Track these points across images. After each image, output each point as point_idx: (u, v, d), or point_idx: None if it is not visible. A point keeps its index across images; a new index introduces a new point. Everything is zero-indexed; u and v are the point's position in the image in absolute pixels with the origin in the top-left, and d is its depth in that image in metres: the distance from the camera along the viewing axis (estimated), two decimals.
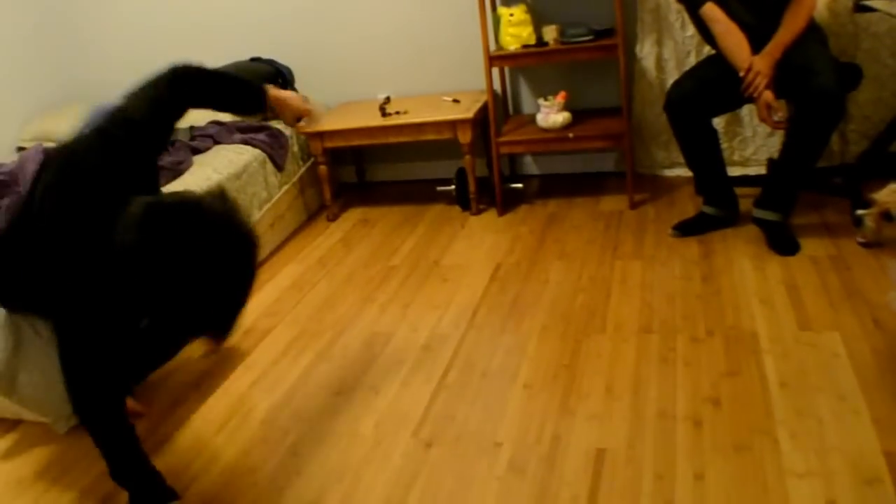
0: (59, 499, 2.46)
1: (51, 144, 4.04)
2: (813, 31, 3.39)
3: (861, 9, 3.76)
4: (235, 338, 3.33)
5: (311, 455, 2.51)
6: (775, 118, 3.25)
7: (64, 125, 4.58)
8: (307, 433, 2.63)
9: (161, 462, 2.55)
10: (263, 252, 4.15)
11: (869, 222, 2.35)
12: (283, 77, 4.73)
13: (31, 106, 5.10)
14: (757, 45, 3.31)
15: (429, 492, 2.27)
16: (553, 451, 2.37)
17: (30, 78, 5.14)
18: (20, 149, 4.11)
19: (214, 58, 4.86)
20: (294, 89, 4.73)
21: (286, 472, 2.45)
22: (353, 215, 4.70)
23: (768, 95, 3.22)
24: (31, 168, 3.59)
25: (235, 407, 2.85)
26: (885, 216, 2.31)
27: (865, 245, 2.40)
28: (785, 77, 3.24)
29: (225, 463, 2.53)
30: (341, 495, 2.31)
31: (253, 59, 4.86)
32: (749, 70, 3.24)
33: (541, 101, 4.24)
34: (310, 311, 3.50)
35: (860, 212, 2.39)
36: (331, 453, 2.51)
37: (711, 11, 3.37)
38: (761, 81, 3.23)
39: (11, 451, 2.78)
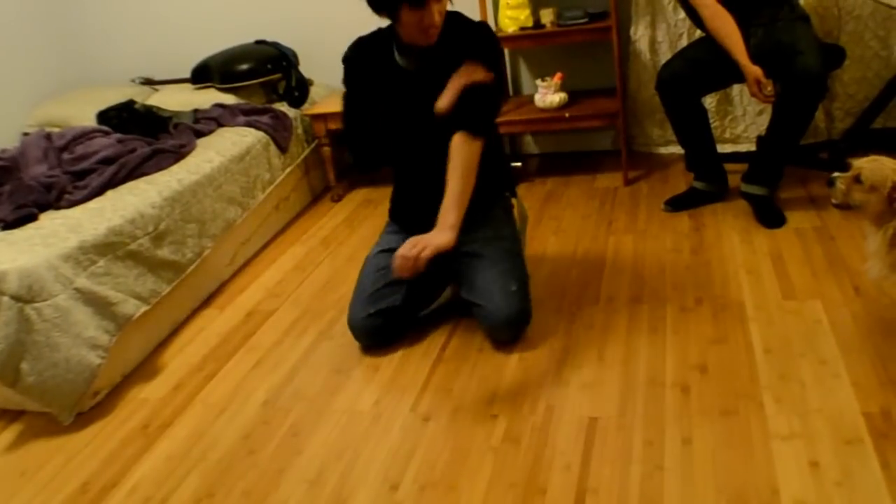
0: (62, 489, 2.48)
1: (55, 129, 4.09)
2: (795, 11, 3.45)
3: None
4: (238, 321, 3.42)
5: (311, 434, 2.56)
6: (765, 93, 3.32)
7: (69, 111, 4.66)
8: (307, 412, 2.68)
9: (162, 446, 2.61)
10: (268, 234, 4.24)
11: (840, 184, 2.43)
12: (287, 60, 4.78)
13: (36, 91, 5.14)
14: (740, 16, 3.37)
15: (426, 464, 2.33)
16: (547, 421, 2.44)
17: (35, 63, 5.18)
18: (25, 134, 4.16)
19: (219, 41, 4.95)
20: (299, 72, 4.79)
21: (286, 452, 2.49)
22: (358, 196, 4.77)
23: (758, 71, 3.29)
24: (34, 154, 3.63)
25: (237, 390, 2.88)
26: (856, 179, 2.39)
27: (838, 207, 2.47)
28: (770, 56, 3.31)
29: (225, 446, 2.56)
30: (341, 472, 2.36)
31: (257, 42, 4.91)
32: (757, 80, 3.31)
33: (538, 82, 4.31)
34: (312, 292, 3.57)
35: (835, 174, 2.47)
36: (331, 431, 2.55)
37: None
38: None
39: (15, 442, 2.80)
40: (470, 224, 2.90)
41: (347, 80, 3.00)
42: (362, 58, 2.93)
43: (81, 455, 2.64)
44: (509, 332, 2.88)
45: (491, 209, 3.05)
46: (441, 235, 2.65)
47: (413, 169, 3.04)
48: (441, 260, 2.98)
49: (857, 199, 2.41)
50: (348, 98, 3.03)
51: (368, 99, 2.96)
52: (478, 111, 2.78)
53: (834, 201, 2.48)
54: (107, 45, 5.43)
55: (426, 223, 2.94)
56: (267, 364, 3.02)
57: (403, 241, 2.81)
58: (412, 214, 3.03)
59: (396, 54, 2.87)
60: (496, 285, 2.84)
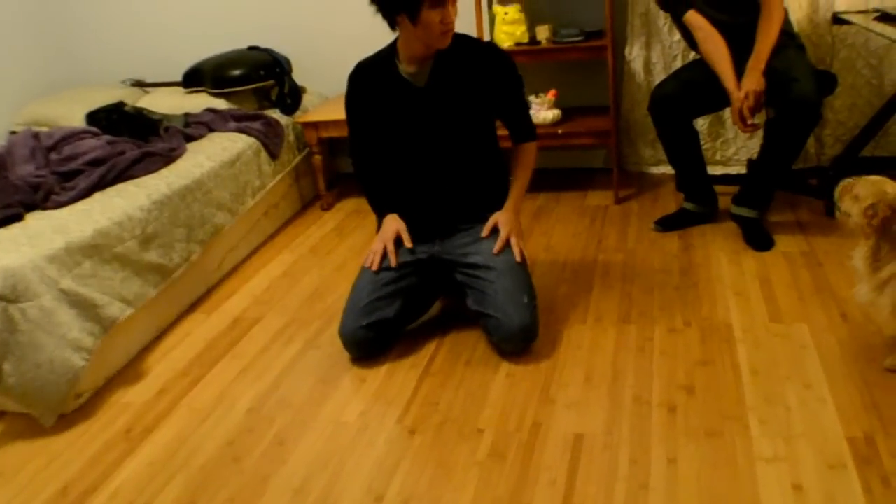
0: (42, 492, 2.45)
1: (43, 129, 4.07)
2: (791, 39, 3.49)
3: (839, 21, 3.88)
4: (224, 327, 3.40)
5: (297, 443, 2.54)
6: (749, 123, 3.34)
7: (58, 110, 4.63)
8: (293, 421, 2.66)
9: (144, 453, 2.58)
10: (256, 240, 4.23)
11: (838, 187, 2.51)
12: (280, 66, 4.78)
13: (25, 90, 5.11)
14: (734, 42, 3.40)
15: (411, 478, 2.32)
16: (533, 437, 2.44)
17: (25, 61, 5.15)
18: (13, 133, 4.13)
19: (212, 46, 4.95)
20: (292, 79, 4.79)
21: (271, 460, 2.47)
22: (348, 205, 4.77)
23: (743, 98, 3.32)
24: (21, 153, 3.61)
25: (222, 396, 2.87)
26: (858, 198, 2.42)
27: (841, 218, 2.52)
28: (765, 82, 3.33)
29: (209, 453, 2.54)
30: (325, 482, 2.34)
31: (251, 48, 4.90)
32: (745, 96, 3.32)
33: (532, 98, 4.33)
34: (300, 300, 3.55)
35: (837, 190, 2.52)
36: (316, 441, 2.54)
37: (694, 18, 3.47)
38: (756, 99, 3.32)
39: None
40: (476, 235, 2.95)
41: (351, 101, 3.04)
42: (368, 77, 2.98)
43: (62, 458, 2.61)
44: (520, 343, 2.88)
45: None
46: (511, 216, 3.04)
47: (415, 182, 3.06)
48: (442, 269, 3.02)
49: (846, 206, 2.44)
50: (354, 124, 3.10)
51: (375, 119, 3.01)
52: (528, 122, 3.11)
53: (836, 214, 2.51)
54: (97, 45, 5.41)
55: (423, 233, 2.98)
56: (253, 371, 3.01)
57: (398, 251, 2.97)
58: (410, 225, 3.05)
59: (402, 71, 2.89)
60: (508, 297, 2.85)
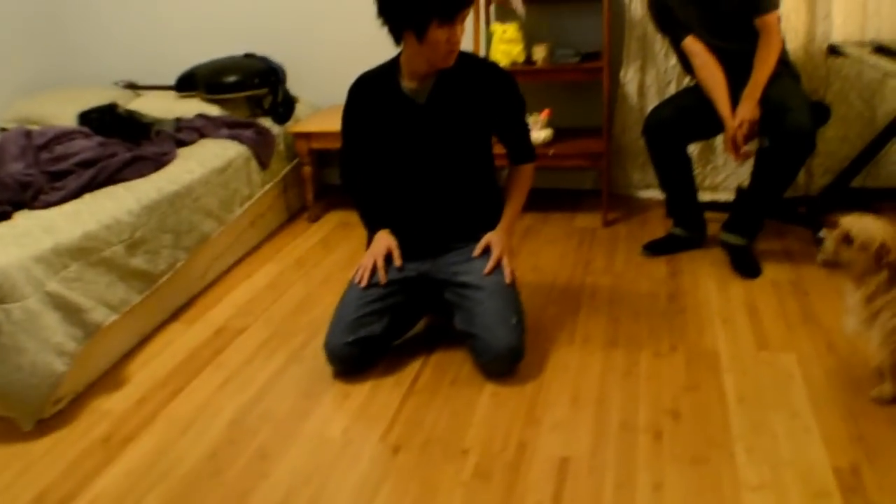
0: (18, 499, 2.41)
1: (34, 127, 4.04)
2: (787, 68, 3.51)
3: (834, 52, 3.90)
4: (207, 337, 3.37)
5: (279, 457, 2.51)
6: (742, 151, 3.36)
7: (49, 109, 4.59)
8: (275, 435, 2.63)
9: (123, 462, 2.54)
10: (241, 250, 4.20)
11: (829, 243, 2.43)
12: (275, 75, 4.76)
13: (16, 86, 5.08)
14: (731, 69, 3.42)
15: (395, 496, 2.29)
16: (518, 458, 2.42)
17: (14, 60, 5.12)
18: (3, 130, 4.09)
19: (206, 51, 4.93)
20: (286, 88, 4.78)
21: (252, 474, 2.44)
22: (335, 218, 4.75)
23: (737, 128, 3.33)
24: (12, 151, 3.55)
25: (203, 407, 2.83)
26: (846, 239, 2.40)
27: (825, 264, 2.48)
28: (760, 111, 3.34)
29: (190, 464, 2.51)
30: (307, 499, 2.31)
31: (246, 55, 4.89)
32: (739, 124, 3.34)
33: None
34: (284, 312, 3.53)
35: (823, 233, 2.48)
36: (299, 456, 2.51)
37: (692, 44, 3.49)
38: (751, 127, 3.33)
39: None
40: (466, 256, 2.94)
41: (350, 112, 3.03)
42: (369, 91, 2.98)
43: (40, 464, 2.57)
44: (506, 365, 2.87)
45: None
46: (503, 237, 3.05)
47: (409, 199, 3.05)
48: (431, 288, 3.01)
49: (846, 257, 2.42)
50: (350, 136, 3.09)
51: (372, 133, 3.00)
52: (528, 143, 3.10)
53: (822, 258, 2.48)
54: (91, 45, 5.39)
55: (414, 250, 2.97)
56: (235, 383, 2.98)
57: (388, 268, 2.95)
58: (401, 241, 3.04)
59: (404, 86, 2.89)
60: (496, 317, 2.84)
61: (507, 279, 2.92)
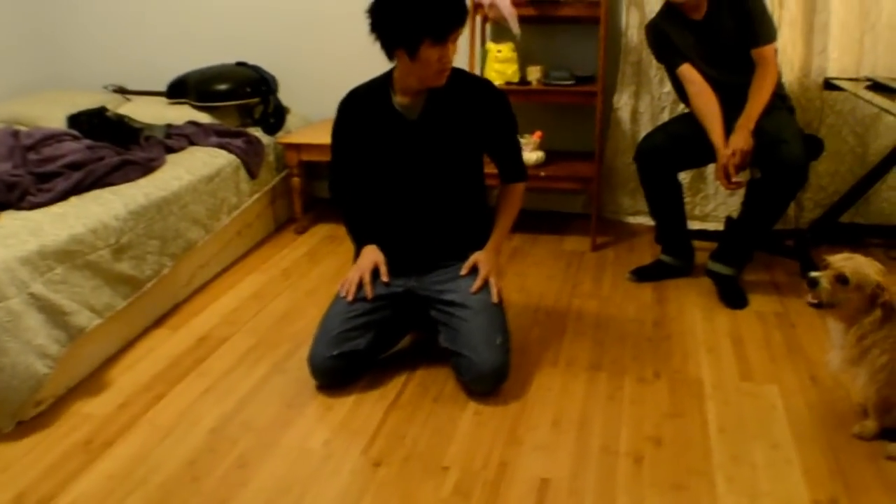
0: None
1: (22, 128, 4.02)
2: (782, 101, 3.54)
3: (830, 87, 3.92)
4: (190, 344, 3.36)
5: (259, 467, 2.50)
6: (733, 181, 3.37)
7: (37, 110, 4.57)
8: (256, 445, 2.62)
9: (103, 467, 2.52)
10: (227, 259, 4.19)
11: (825, 283, 2.43)
12: (266, 85, 4.76)
13: (3, 89, 5.05)
14: (726, 99, 3.44)
15: None
16: (499, 477, 2.42)
17: (4, 61, 5.09)
18: None
19: (197, 58, 4.93)
20: (277, 99, 4.78)
21: (232, 483, 2.43)
22: (322, 230, 4.74)
23: (730, 156, 3.34)
24: (0, 151, 3.55)
25: (184, 414, 2.82)
26: (840, 279, 2.40)
27: (816, 306, 2.47)
28: (754, 142, 3.36)
29: (170, 470, 2.49)
30: None
31: (239, 64, 4.88)
32: (732, 154, 3.35)
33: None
34: (269, 323, 3.51)
35: (815, 273, 2.47)
36: (279, 466, 2.50)
37: (688, 72, 3.51)
38: (742, 159, 3.34)
39: None
40: (453, 274, 2.94)
41: (340, 127, 3.03)
42: (360, 106, 2.97)
43: (19, 465, 2.54)
44: (490, 384, 2.86)
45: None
46: (491, 257, 3.05)
47: (398, 215, 3.04)
48: (417, 304, 3.01)
49: (840, 297, 2.42)
50: (339, 150, 3.08)
51: (362, 148, 3.00)
52: (519, 162, 3.11)
53: (813, 300, 2.47)
54: (81, 48, 5.38)
55: (401, 266, 2.97)
56: (217, 391, 2.96)
57: (374, 283, 2.95)
58: (389, 257, 3.03)
59: (395, 102, 2.89)
60: (482, 336, 2.84)
61: (494, 298, 2.92)
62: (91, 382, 3.05)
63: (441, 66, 2.74)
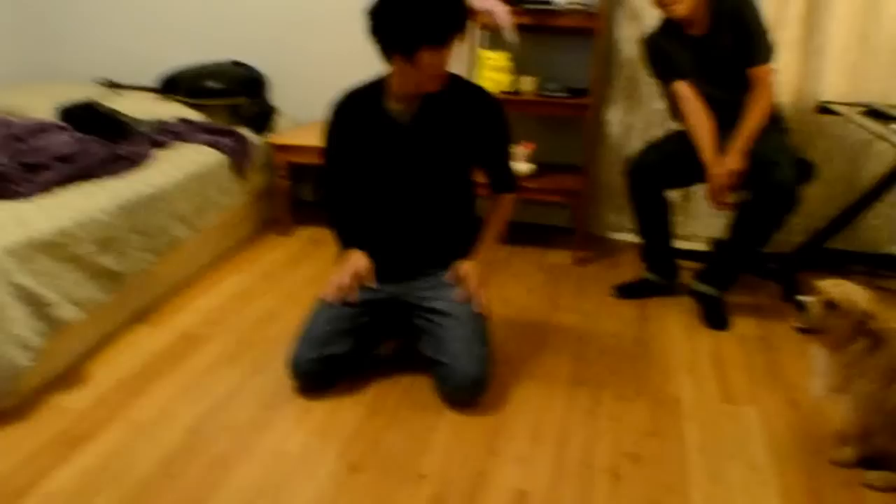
0: None
1: (13, 119, 4.00)
2: (776, 122, 3.54)
3: (825, 111, 3.94)
4: (170, 341, 3.35)
5: (235, 467, 2.49)
6: (723, 201, 3.38)
7: (26, 101, 4.53)
8: (233, 445, 2.61)
9: (78, 461, 2.50)
10: (211, 257, 4.18)
11: (814, 308, 2.44)
12: (257, 84, 4.76)
13: None
14: (721, 117, 3.45)
15: None
16: (475, 487, 2.42)
17: None
18: None
19: (188, 55, 4.94)
20: (267, 99, 4.77)
21: (207, 482, 2.42)
22: (305, 233, 4.73)
23: (722, 177, 3.35)
24: None
25: (162, 411, 2.80)
26: (829, 305, 2.41)
27: (803, 331, 2.47)
28: (747, 163, 3.37)
29: (146, 468, 2.48)
30: None
31: (232, 63, 4.89)
32: (723, 174, 3.36)
33: None
34: (250, 323, 3.51)
35: (804, 297, 2.47)
36: (255, 467, 2.49)
37: (682, 89, 3.52)
38: (734, 180, 3.36)
39: None
40: (437, 281, 2.94)
41: (333, 129, 3.01)
42: (353, 108, 2.96)
43: None
44: (470, 394, 2.86)
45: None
46: (477, 266, 3.03)
47: (386, 220, 3.03)
48: (400, 311, 3.00)
49: (827, 323, 2.42)
50: (331, 153, 3.06)
51: (353, 152, 2.98)
52: (509, 172, 3.14)
53: (800, 325, 2.48)
54: (73, 41, 5.36)
55: (387, 272, 2.96)
56: (195, 390, 2.95)
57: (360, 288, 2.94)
58: (375, 262, 3.02)
59: (389, 106, 2.88)
60: (463, 346, 2.84)
61: (478, 308, 2.92)
62: (69, 376, 3.03)
63: (438, 71, 2.74)
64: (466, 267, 3.00)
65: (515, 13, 4.17)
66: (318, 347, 2.88)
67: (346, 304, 2.93)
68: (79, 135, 3.73)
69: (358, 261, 3.00)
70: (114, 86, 5.09)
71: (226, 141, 4.31)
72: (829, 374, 2.46)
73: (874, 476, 2.46)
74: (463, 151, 2.95)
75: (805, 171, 3.56)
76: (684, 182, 3.79)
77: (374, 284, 2.97)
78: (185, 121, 4.43)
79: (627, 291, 3.89)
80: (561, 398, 2.95)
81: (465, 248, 3.06)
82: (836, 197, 4.29)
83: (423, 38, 2.64)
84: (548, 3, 4.18)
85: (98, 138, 3.76)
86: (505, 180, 3.10)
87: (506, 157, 3.09)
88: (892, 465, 2.47)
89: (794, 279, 3.89)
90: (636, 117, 4.50)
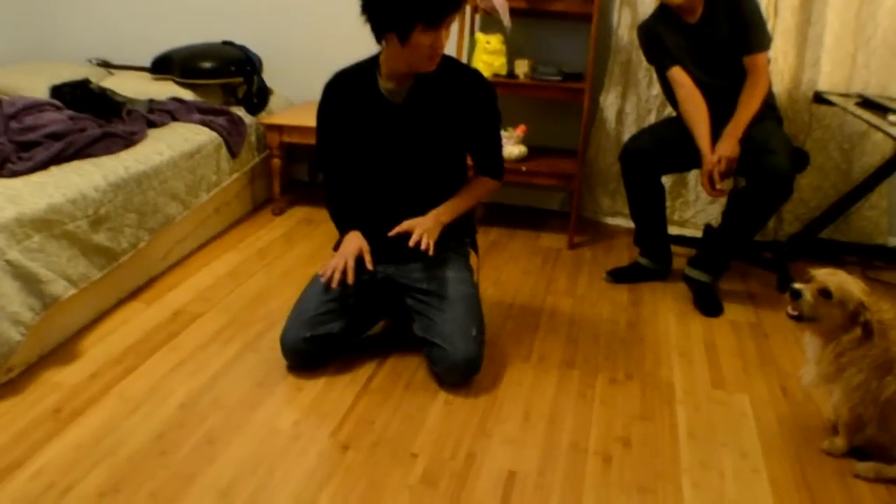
0: None
1: (4, 97, 3.98)
2: (772, 111, 3.54)
3: (820, 100, 3.94)
4: (164, 319, 3.34)
5: (227, 444, 2.49)
6: (717, 187, 3.38)
7: (20, 80, 4.52)
8: (225, 422, 2.61)
9: (71, 435, 2.50)
10: (204, 236, 4.18)
11: (808, 296, 2.44)
12: (251, 65, 4.74)
13: None
14: (715, 105, 3.45)
15: (340, 494, 2.28)
16: (467, 468, 2.42)
17: None
18: None
19: (182, 36, 4.92)
20: (262, 79, 4.76)
21: (199, 458, 2.42)
22: (299, 213, 4.73)
23: (715, 163, 3.35)
24: None
25: (155, 387, 2.80)
26: (823, 293, 2.41)
27: (796, 318, 2.47)
28: (741, 151, 3.37)
29: (137, 443, 2.48)
30: (253, 488, 2.30)
31: (225, 43, 4.88)
32: (718, 160, 3.35)
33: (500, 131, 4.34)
34: (243, 302, 3.51)
35: (799, 285, 2.47)
36: (247, 445, 2.49)
37: (678, 75, 3.52)
38: (729, 164, 3.35)
39: None
40: (431, 262, 2.93)
41: (325, 108, 2.99)
42: (345, 88, 2.94)
43: None
44: (462, 375, 2.86)
45: (455, 251, 3.06)
46: (427, 221, 2.90)
47: (380, 201, 3.02)
48: (393, 292, 2.99)
49: (821, 312, 2.43)
50: (324, 133, 3.04)
51: (345, 131, 2.97)
52: (497, 159, 3.09)
53: (794, 313, 2.47)
54: (66, 20, 5.34)
55: (380, 253, 2.95)
56: (188, 367, 2.95)
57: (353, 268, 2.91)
58: (373, 243, 3.01)
59: (381, 86, 2.87)
60: (457, 327, 2.84)
61: (424, 247, 2.81)
62: (63, 351, 3.03)
63: (432, 51, 2.72)
64: (416, 220, 2.93)
65: None
66: (311, 327, 2.88)
67: (341, 284, 2.92)
68: (72, 113, 3.72)
69: (356, 243, 2.99)
70: (107, 65, 5.08)
71: (219, 120, 4.31)
72: (821, 364, 2.46)
73: (864, 466, 2.47)
74: (453, 132, 2.93)
75: (799, 160, 3.56)
76: (679, 167, 3.78)
77: (372, 267, 2.95)
78: (178, 100, 4.41)
79: (620, 276, 3.89)
80: (553, 380, 2.96)
81: (460, 229, 3.05)
82: (830, 187, 4.30)
83: (418, 17, 2.62)
84: None
85: (91, 117, 3.74)
86: (491, 165, 3.08)
87: (495, 142, 3.06)
88: (883, 455, 2.48)
89: (787, 268, 3.89)
90: (631, 102, 4.50)
